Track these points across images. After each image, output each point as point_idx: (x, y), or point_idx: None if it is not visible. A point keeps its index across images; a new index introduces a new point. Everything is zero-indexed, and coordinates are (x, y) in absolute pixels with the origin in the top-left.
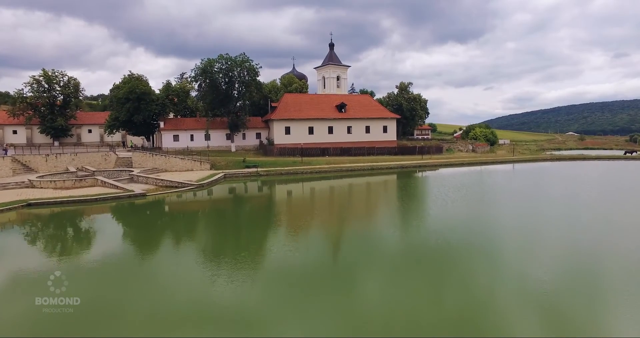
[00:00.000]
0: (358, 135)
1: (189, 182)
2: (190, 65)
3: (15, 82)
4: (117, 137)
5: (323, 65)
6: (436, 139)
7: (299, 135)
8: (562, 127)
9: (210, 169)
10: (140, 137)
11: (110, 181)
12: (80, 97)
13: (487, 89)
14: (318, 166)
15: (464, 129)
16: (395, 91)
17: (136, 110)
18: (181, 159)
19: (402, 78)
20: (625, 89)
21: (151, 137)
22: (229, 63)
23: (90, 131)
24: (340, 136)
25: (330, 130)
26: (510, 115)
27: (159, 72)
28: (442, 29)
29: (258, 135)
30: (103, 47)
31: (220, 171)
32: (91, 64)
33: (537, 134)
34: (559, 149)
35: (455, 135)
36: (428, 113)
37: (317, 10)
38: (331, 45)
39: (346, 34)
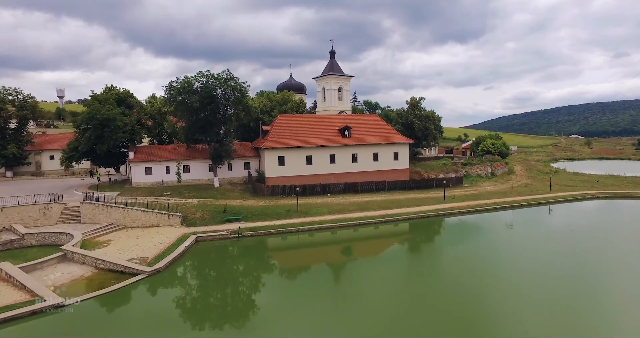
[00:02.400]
0: (365, 163)
1: (139, 268)
2: (190, 66)
3: (15, 83)
4: (86, 163)
5: (323, 75)
6: (449, 160)
7: (295, 166)
8: (563, 128)
9: (182, 224)
10: (107, 169)
11: (18, 275)
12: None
13: (487, 89)
14: (318, 217)
15: (474, 139)
16: (405, 107)
17: (99, 138)
18: (144, 211)
19: (402, 78)
20: (625, 88)
21: (121, 167)
22: (211, 82)
23: (52, 157)
24: (343, 165)
25: (332, 158)
26: (510, 115)
27: (159, 72)
28: (442, 29)
29: (247, 165)
30: (103, 47)
31: (192, 230)
32: (91, 64)
33: (541, 138)
34: (572, 159)
35: (464, 145)
36: (442, 132)
37: (317, 10)
38: (332, 53)
39: (346, 34)
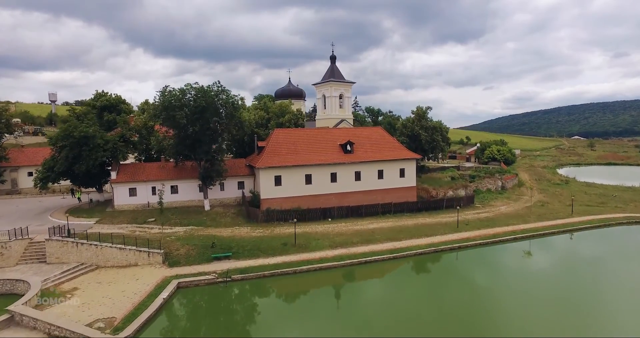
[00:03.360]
0: (369, 181)
1: (102, 337)
2: (190, 66)
3: (15, 83)
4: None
5: (323, 81)
6: (455, 171)
7: (293, 186)
8: (564, 128)
9: (163, 262)
10: (88, 189)
11: None
12: (17, 133)
13: (486, 89)
14: (318, 253)
15: (478, 145)
16: (411, 116)
17: (77, 158)
18: (120, 249)
19: (402, 78)
20: (624, 88)
21: (105, 186)
22: (200, 96)
23: (30, 174)
24: (346, 184)
25: (334, 177)
26: (510, 115)
27: (159, 72)
28: (442, 29)
29: (241, 185)
30: (102, 47)
31: (175, 272)
32: (91, 65)
33: (543, 139)
34: (578, 164)
35: (469, 151)
36: (450, 144)
37: (317, 10)
38: (332, 58)
39: (346, 35)
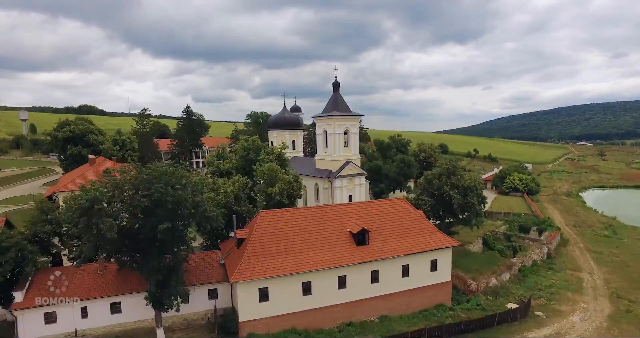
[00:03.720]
0: (389, 283)
1: None
2: (188, 66)
3: (12, 84)
4: None
5: (325, 114)
6: (491, 238)
7: (285, 300)
8: (565, 130)
9: None
10: None
11: None
12: None
13: (485, 89)
14: None
15: (496, 172)
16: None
17: None
18: None
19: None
20: (622, 88)
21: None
22: (137, 182)
23: None
24: (358, 289)
25: (342, 281)
26: (510, 116)
27: (157, 72)
28: (441, 30)
29: (212, 293)
30: (101, 48)
31: None
32: (89, 65)
33: (549, 146)
34: (603, 187)
35: (485, 176)
36: (485, 203)
37: (317, 11)
38: (335, 86)
39: (346, 35)
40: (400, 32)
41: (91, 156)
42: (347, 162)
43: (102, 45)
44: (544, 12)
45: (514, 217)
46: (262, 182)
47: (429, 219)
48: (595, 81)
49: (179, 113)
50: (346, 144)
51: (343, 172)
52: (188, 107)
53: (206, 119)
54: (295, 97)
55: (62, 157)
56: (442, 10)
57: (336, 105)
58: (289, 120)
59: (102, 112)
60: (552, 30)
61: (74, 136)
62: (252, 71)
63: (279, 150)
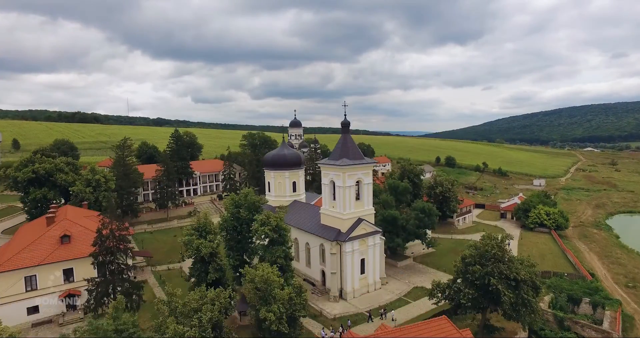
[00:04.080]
0: None
1: None
2: (188, 67)
3: (11, 85)
4: None
5: (332, 163)
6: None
7: None
8: (567, 132)
9: None
10: None
11: None
12: None
13: (485, 89)
14: None
15: (518, 202)
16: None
17: None
18: None
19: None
20: (621, 88)
21: None
22: None
23: None
24: None
25: None
26: (510, 117)
27: (157, 73)
28: (441, 31)
29: None
30: (100, 49)
31: None
32: (88, 67)
33: (555, 154)
34: (631, 212)
35: (504, 205)
36: (538, 287)
37: (317, 12)
38: (345, 126)
39: (347, 36)
40: (400, 33)
41: (51, 209)
42: (360, 220)
43: (102, 46)
44: (544, 12)
45: (555, 278)
46: (252, 289)
47: (466, 312)
48: (595, 81)
49: (179, 114)
50: (358, 197)
51: (354, 233)
52: (176, 130)
53: (205, 120)
54: (295, 111)
55: (25, 200)
56: (443, 11)
57: (346, 151)
58: (289, 159)
59: (95, 120)
60: (552, 31)
61: (38, 177)
62: (252, 72)
63: (277, 220)
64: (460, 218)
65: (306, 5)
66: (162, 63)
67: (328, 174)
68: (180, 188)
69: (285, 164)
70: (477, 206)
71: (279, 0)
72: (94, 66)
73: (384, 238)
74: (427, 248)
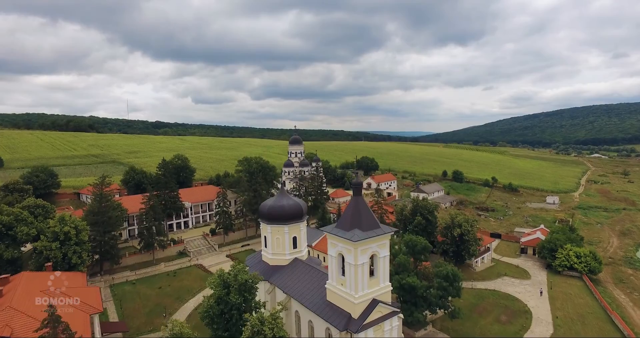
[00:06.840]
0: None
1: None
2: (189, 69)
3: (12, 86)
4: None
5: (341, 235)
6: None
7: None
8: (569, 133)
9: None
10: None
11: None
12: None
13: (486, 89)
14: None
15: (541, 238)
16: None
17: None
18: None
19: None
20: (621, 88)
21: None
22: None
23: None
24: None
25: None
26: (511, 117)
27: (157, 74)
28: (442, 32)
29: None
30: (101, 51)
31: None
32: (89, 68)
33: (563, 161)
34: None
35: (524, 240)
36: None
37: (317, 13)
38: (356, 188)
39: (347, 37)
40: (401, 34)
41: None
42: (375, 302)
43: (103, 47)
44: (545, 13)
45: None
46: None
47: None
48: (595, 81)
49: (179, 114)
50: (372, 273)
51: (369, 319)
52: (164, 160)
53: (205, 121)
54: (295, 126)
55: None
56: (443, 12)
57: (358, 218)
58: (288, 211)
59: (91, 128)
60: (552, 31)
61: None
62: (252, 73)
63: (275, 319)
64: (479, 258)
65: (307, 6)
66: (162, 64)
67: (336, 245)
68: (169, 222)
69: (283, 217)
70: (492, 235)
71: (280, 2)
72: (94, 67)
73: (402, 316)
74: (451, 320)
